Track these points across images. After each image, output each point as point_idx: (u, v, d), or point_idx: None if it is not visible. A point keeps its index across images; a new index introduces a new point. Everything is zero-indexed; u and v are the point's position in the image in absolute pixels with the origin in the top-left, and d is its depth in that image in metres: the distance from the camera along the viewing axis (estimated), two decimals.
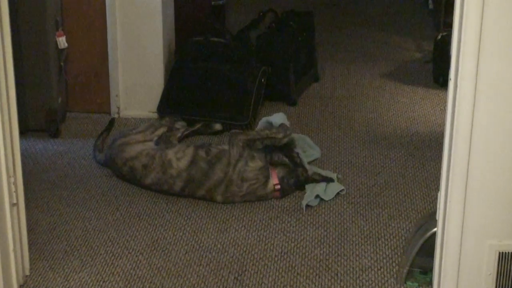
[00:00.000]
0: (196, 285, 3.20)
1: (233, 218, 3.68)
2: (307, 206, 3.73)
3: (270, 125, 4.05)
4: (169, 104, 4.64)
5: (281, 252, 3.41)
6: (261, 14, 5.20)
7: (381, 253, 3.40)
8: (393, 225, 3.61)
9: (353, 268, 3.30)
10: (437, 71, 5.27)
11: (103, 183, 3.98)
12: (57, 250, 3.42)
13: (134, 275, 3.26)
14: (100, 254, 3.40)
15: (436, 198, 3.11)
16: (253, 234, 3.55)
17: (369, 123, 4.67)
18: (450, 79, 2.69)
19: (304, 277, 3.24)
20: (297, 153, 3.91)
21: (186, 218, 3.68)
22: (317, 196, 3.77)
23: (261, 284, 3.20)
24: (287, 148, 3.90)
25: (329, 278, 3.24)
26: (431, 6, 6.77)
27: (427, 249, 3.07)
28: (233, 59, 4.72)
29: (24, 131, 4.41)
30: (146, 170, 3.84)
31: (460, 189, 2.73)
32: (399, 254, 3.39)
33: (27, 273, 3.23)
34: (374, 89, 5.20)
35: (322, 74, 5.43)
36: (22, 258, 3.17)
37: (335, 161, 4.20)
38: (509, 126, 2.66)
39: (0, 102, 2.88)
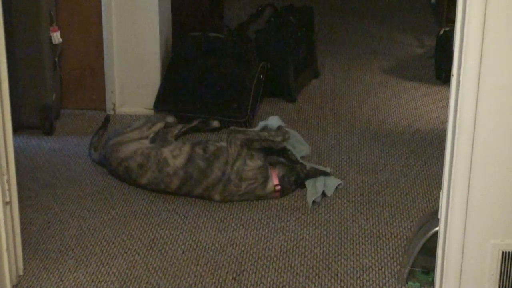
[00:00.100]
0: (193, 286, 3.20)
1: (231, 216, 3.68)
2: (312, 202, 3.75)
3: (266, 127, 4.07)
4: (165, 100, 4.64)
5: (280, 252, 3.42)
6: (260, 8, 5.20)
7: (382, 252, 3.40)
8: (394, 224, 3.62)
9: (353, 267, 3.31)
10: (439, 67, 5.28)
11: (98, 181, 3.99)
12: (51, 249, 3.43)
13: (130, 275, 3.26)
14: (95, 253, 3.40)
15: (438, 197, 3.12)
16: (252, 233, 3.55)
17: (370, 120, 4.68)
18: (453, 75, 2.69)
19: (304, 277, 3.25)
20: (290, 150, 3.92)
21: (183, 217, 3.68)
22: (322, 193, 3.79)
23: (259, 284, 3.21)
24: (281, 148, 3.90)
25: (329, 278, 3.24)
26: (433, 1, 6.78)
27: (429, 249, 3.08)
28: (231, 55, 4.72)
29: (18, 128, 4.40)
30: (142, 170, 3.84)
31: (462, 187, 2.73)
32: (400, 253, 3.39)
33: (21, 273, 3.24)
34: (375, 86, 5.20)
35: (322, 70, 5.44)
36: (15, 258, 3.17)
37: (335, 158, 4.20)
38: None
39: None
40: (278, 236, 3.53)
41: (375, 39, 6.12)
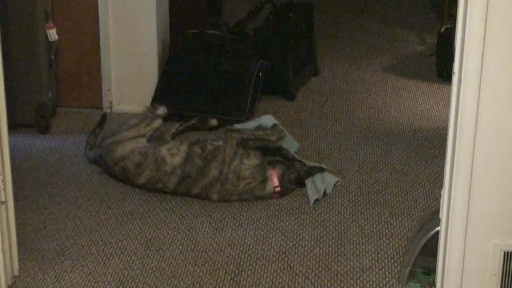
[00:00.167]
0: (191, 286, 3.20)
1: (230, 216, 3.68)
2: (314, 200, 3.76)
3: (260, 126, 4.08)
4: (163, 98, 4.64)
5: (279, 252, 3.42)
6: (259, 5, 5.20)
7: (382, 252, 3.41)
8: (394, 223, 3.62)
9: (353, 268, 3.31)
10: (440, 64, 5.28)
11: (94, 181, 3.98)
12: (47, 249, 3.43)
13: (127, 275, 3.26)
14: (92, 254, 3.40)
15: (439, 196, 3.12)
16: (250, 233, 3.55)
17: (370, 119, 4.68)
18: (454, 73, 2.69)
19: (303, 278, 3.25)
20: (286, 149, 3.92)
21: (180, 217, 3.68)
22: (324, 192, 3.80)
23: (258, 285, 3.21)
24: (276, 148, 3.90)
25: (329, 278, 3.24)
26: None
27: (430, 249, 3.08)
28: (229, 52, 4.72)
29: (13, 126, 4.40)
30: (139, 169, 3.84)
31: (464, 186, 2.73)
32: (401, 253, 3.39)
33: (16, 273, 3.23)
34: (376, 84, 5.20)
35: (322, 68, 5.44)
36: (10, 258, 3.17)
37: (335, 157, 4.20)
38: None
39: None
40: (277, 236, 3.53)
41: (376, 36, 6.12)
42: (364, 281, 3.23)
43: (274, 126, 4.01)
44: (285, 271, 3.29)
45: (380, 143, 4.37)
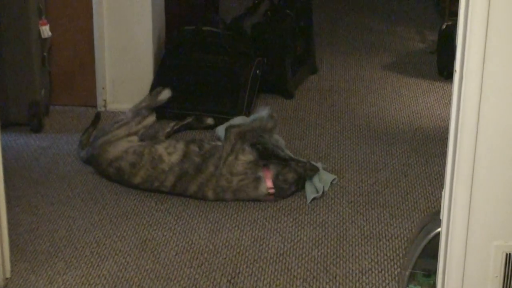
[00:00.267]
0: None
1: (226, 217, 3.68)
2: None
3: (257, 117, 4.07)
4: None
5: (277, 254, 3.42)
6: (256, 2, 5.20)
7: (382, 254, 3.41)
8: (394, 225, 3.62)
9: (352, 270, 3.31)
10: (441, 62, 5.28)
11: (88, 181, 3.98)
12: (40, 251, 3.42)
13: (122, 277, 3.26)
14: (86, 255, 3.40)
15: (440, 197, 3.12)
16: (247, 234, 3.55)
17: (370, 118, 4.68)
18: (456, 71, 2.69)
19: (301, 280, 3.25)
20: (282, 150, 3.92)
21: (176, 218, 3.68)
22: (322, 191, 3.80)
23: (255, 287, 3.21)
24: (269, 152, 3.88)
25: (327, 281, 3.24)
26: None
27: (431, 251, 3.08)
28: (226, 49, 4.72)
29: (5, 125, 4.40)
30: (134, 169, 3.84)
31: (465, 187, 2.73)
32: (401, 255, 3.39)
33: (8, 275, 3.23)
34: (375, 82, 5.20)
35: (321, 66, 5.44)
36: (2, 260, 3.17)
37: (334, 157, 4.20)
38: None
39: None
40: (274, 237, 3.53)
41: (375, 33, 6.12)
42: (363, 284, 3.23)
43: (269, 115, 3.99)
44: (282, 273, 3.29)
45: (379, 142, 4.37)
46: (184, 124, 4.44)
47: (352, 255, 3.40)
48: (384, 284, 3.22)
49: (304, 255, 3.41)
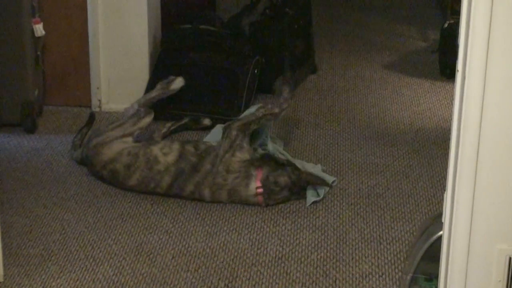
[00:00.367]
0: None
1: (224, 220, 3.68)
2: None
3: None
4: None
5: (275, 257, 3.41)
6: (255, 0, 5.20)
7: (382, 258, 3.41)
8: (395, 228, 3.62)
9: (352, 274, 3.31)
10: (443, 62, 5.28)
11: (83, 182, 3.98)
12: (33, 254, 3.42)
13: (117, 281, 3.26)
14: (80, 259, 3.40)
15: (442, 199, 3.12)
16: (245, 237, 3.55)
17: (370, 118, 4.68)
18: (458, 70, 2.69)
19: (300, 284, 3.24)
20: (281, 155, 3.91)
21: (172, 220, 3.68)
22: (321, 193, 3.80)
23: None
24: (267, 155, 3.88)
25: (327, 285, 3.24)
26: None
27: (432, 254, 3.08)
28: (223, 48, 4.72)
29: None
30: (129, 171, 3.83)
31: (468, 189, 2.73)
32: (402, 259, 3.39)
33: (1, 279, 3.23)
34: (376, 81, 5.20)
35: (320, 65, 5.44)
36: None
37: (334, 158, 4.20)
38: None
39: None
40: (272, 240, 3.53)
41: (376, 32, 6.12)
42: None
43: (283, 93, 3.97)
44: (281, 277, 3.29)
45: (380, 143, 4.37)
46: (180, 125, 4.44)
47: (352, 258, 3.40)
48: None
49: (303, 258, 3.41)
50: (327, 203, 3.80)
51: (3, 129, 4.46)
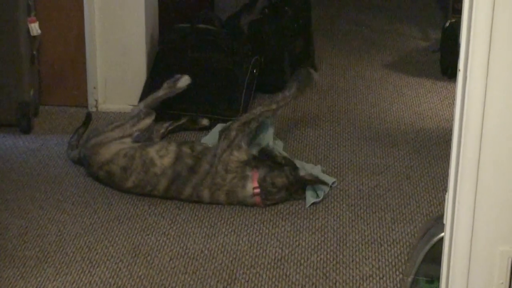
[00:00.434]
0: None
1: (222, 221, 3.68)
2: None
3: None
4: None
5: (275, 259, 3.41)
6: None
7: (383, 260, 3.41)
8: (396, 229, 3.62)
9: (352, 276, 3.31)
10: (445, 61, 5.28)
11: (79, 183, 3.98)
12: (29, 256, 3.42)
13: (114, 284, 3.26)
14: (76, 261, 3.40)
15: (444, 200, 3.12)
16: (244, 239, 3.55)
17: (370, 118, 4.68)
18: (459, 70, 2.69)
19: (300, 286, 3.25)
20: (279, 154, 3.91)
21: (170, 222, 3.68)
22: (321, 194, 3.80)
23: None
24: (266, 152, 3.88)
25: (327, 287, 3.24)
26: None
27: (434, 256, 3.08)
28: (222, 47, 4.72)
29: None
30: (125, 173, 3.83)
31: (469, 190, 2.73)
32: (403, 261, 3.39)
33: None
34: (376, 81, 5.20)
35: (320, 65, 5.44)
36: None
37: (333, 159, 4.20)
38: None
39: None
40: (272, 242, 3.53)
41: (376, 31, 6.12)
42: None
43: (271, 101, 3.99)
44: (280, 279, 3.29)
45: (381, 144, 4.38)
46: (178, 125, 4.44)
47: (353, 260, 3.40)
48: None
49: (302, 260, 3.41)
50: (327, 204, 3.80)
51: None
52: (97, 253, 3.45)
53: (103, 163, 3.88)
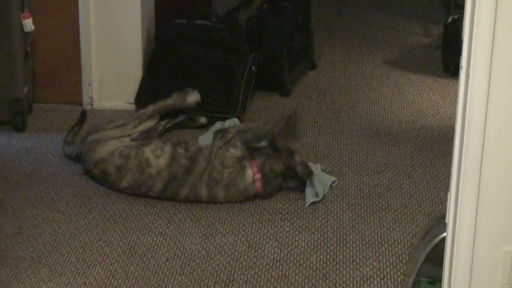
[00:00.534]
0: None
1: (219, 221, 3.68)
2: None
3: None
4: (148, 94, 4.64)
5: (273, 260, 3.42)
6: None
7: (384, 260, 3.41)
8: (397, 229, 3.62)
9: (353, 277, 3.31)
10: (447, 58, 5.28)
11: (74, 182, 3.98)
12: (23, 257, 3.42)
13: (109, 285, 3.26)
14: (71, 261, 3.40)
15: (446, 200, 3.12)
16: (242, 239, 3.55)
17: (371, 116, 4.68)
18: (462, 67, 2.69)
19: None
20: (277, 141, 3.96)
21: (167, 222, 3.68)
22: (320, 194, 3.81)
23: None
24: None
25: None
26: None
27: (436, 257, 3.08)
28: (220, 44, 4.72)
29: None
30: (120, 173, 3.83)
31: (472, 189, 2.73)
32: (404, 262, 3.40)
33: None
34: (377, 78, 5.21)
35: (319, 62, 5.44)
36: None
37: (333, 158, 4.21)
38: None
39: None
40: (270, 242, 3.54)
41: (377, 27, 6.12)
42: None
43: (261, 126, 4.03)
44: (279, 280, 3.29)
45: (381, 142, 4.38)
46: (176, 123, 4.45)
47: (353, 261, 3.41)
48: None
49: (302, 261, 3.41)
50: (326, 204, 3.80)
51: None
52: (92, 254, 3.45)
53: (98, 162, 3.88)
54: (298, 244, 3.52)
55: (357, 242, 3.53)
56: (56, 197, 3.86)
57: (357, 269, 3.36)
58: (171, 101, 4.29)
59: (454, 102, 4.81)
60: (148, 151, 3.84)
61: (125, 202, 3.82)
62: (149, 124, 4.11)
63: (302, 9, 5.21)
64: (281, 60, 4.92)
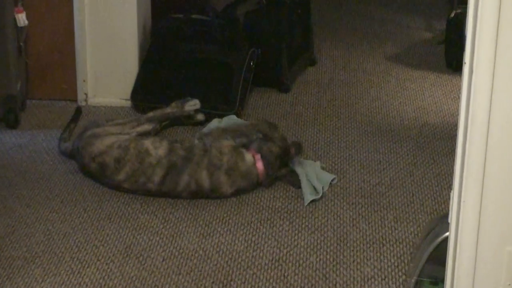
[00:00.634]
0: None
1: (217, 220, 3.68)
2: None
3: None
4: (144, 90, 4.64)
5: (272, 260, 3.42)
6: None
7: (385, 260, 3.41)
8: (399, 229, 3.62)
9: (353, 277, 3.31)
10: (450, 53, 5.28)
11: (68, 181, 3.98)
12: (16, 256, 3.42)
13: (104, 285, 3.26)
14: (65, 261, 3.40)
15: (449, 198, 3.12)
16: (240, 239, 3.56)
17: (372, 113, 4.68)
18: (465, 62, 2.69)
19: None
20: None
21: (163, 221, 3.68)
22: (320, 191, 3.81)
23: None
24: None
25: None
26: None
27: (438, 257, 3.08)
28: (217, 39, 4.72)
29: None
30: (119, 164, 3.84)
31: (475, 188, 2.73)
32: (406, 262, 3.40)
33: None
34: (378, 74, 5.21)
35: (319, 57, 5.44)
36: None
37: (334, 155, 4.21)
38: None
39: None
40: (269, 242, 3.54)
41: (378, 22, 6.13)
42: None
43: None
44: (278, 280, 3.29)
45: (383, 139, 4.38)
46: (169, 115, 4.39)
47: (353, 261, 3.41)
48: None
49: (301, 261, 3.41)
50: (326, 203, 3.80)
51: None
52: (87, 253, 3.45)
53: (96, 155, 3.89)
54: (297, 244, 3.52)
55: (358, 242, 3.53)
56: (50, 196, 3.86)
57: (357, 269, 3.36)
58: (169, 109, 4.34)
59: (457, 99, 4.82)
60: (147, 143, 3.89)
61: (121, 201, 3.82)
62: (147, 127, 4.17)
63: (301, 3, 5.21)
64: (280, 55, 4.92)
